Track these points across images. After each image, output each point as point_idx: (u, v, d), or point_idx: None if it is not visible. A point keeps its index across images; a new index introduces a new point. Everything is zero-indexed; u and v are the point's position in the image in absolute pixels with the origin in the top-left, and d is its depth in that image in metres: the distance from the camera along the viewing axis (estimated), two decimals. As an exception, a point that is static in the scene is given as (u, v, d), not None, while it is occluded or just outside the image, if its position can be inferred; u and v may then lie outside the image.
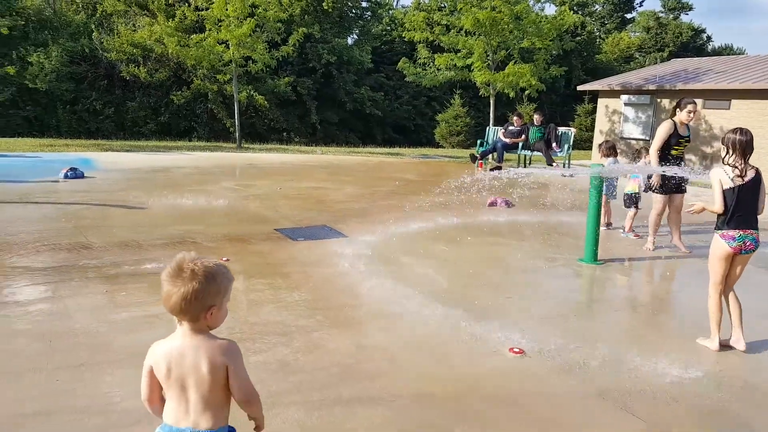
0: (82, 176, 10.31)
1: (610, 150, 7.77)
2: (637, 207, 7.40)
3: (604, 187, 6.74)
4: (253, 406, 1.86)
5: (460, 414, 2.96)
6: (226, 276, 1.81)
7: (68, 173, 10.18)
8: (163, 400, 1.85)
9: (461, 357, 3.62)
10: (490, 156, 14.50)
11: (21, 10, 24.92)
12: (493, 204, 9.11)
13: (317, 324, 3.99)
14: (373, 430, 2.79)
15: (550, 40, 18.64)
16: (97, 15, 26.97)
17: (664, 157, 6.39)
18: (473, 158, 14.44)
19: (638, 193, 7.40)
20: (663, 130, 6.42)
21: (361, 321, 4.17)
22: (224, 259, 5.53)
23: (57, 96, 23.79)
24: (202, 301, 1.74)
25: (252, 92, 23.81)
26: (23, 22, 24.21)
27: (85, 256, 5.45)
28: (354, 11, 32.04)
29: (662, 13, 48.29)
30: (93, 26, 25.76)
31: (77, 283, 4.69)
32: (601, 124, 18.69)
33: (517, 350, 3.71)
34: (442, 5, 22.29)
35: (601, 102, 18.84)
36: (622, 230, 7.56)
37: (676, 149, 6.46)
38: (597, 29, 44.66)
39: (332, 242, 6.38)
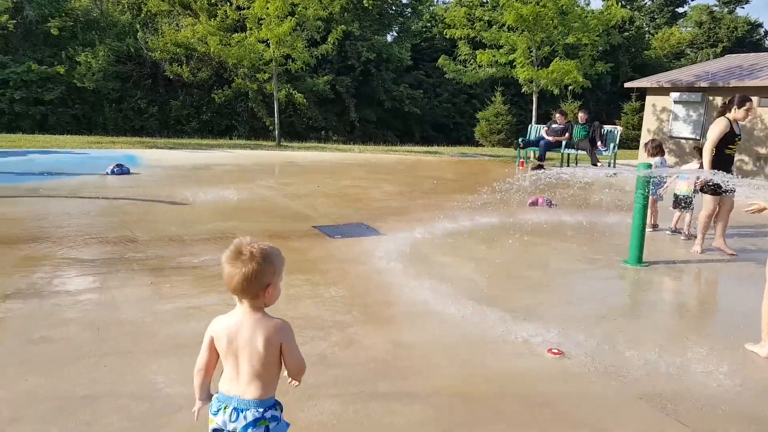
0: (127, 172, 10.61)
1: (657, 149, 7.58)
2: (688, 209, 7.17)
3: (651, 188, 6.59)
4: (301, 375, 2.07)
5: (498, 414, 2.95)
6: (280, 257, 1.96)
7: (114, 169, 10.49)
8: (211, 374, 2.06)
9: (499, 357, 3.60)
10: (531, 154, 14.33)
11: (70, 11, 25.77)
12: (534, 203, 9.00)
13: (354, 320, 4.02)
14: (409, 427, 2.81)
15: (597, 36, 18.24)
16: (142, 15, 27.67)
17: (719, 156, 6.14)
18: (518, 146, 14.31)
19: (690, 196, 7.16)
20: (718, 129, 6.13)
21: (398, 318, 4.18)
22: (264, 253, 5.62)
23: (104, 95, 24.52)
24: (261, 280, 1.90)
25: (291, 90, 24.09)
26: (72, 23, 25.03)
27: (131, 249, 5.61)
28: (394, 8, 32.05)
29: (716, 6, 46.61)
30: (138, 26, 26.45)
31: (123, 275, 4.84)
32: (649, 122, 18.22)
33: (555, 351, 3.67)
34: (485, 1, 22.09)
35: (649, 99, 18.35)
36: (668, 231, 7.38)
37: (730, 149, 6.24)
38: (646, 24, 43.51)
39: (369, 240, 6.41)
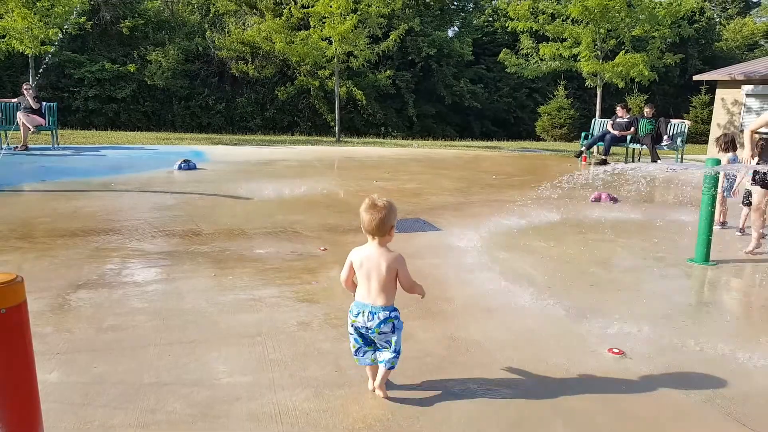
0: (194, 168, 10.96)
1: (729, 144, 7.24)
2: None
3: (721, 184, 6.30)
4: (413, 291, 2.97)
5: (557, 411, 2.89)
6: (396, 208, 2.93)
7: (182, 165, 10.86)
8: (354, 285, 2.95)
9: (558, 354, 3.53)
10: (594, 149, 13.95)
11: (143, 12, 26.84)
12: (597, 199, 8.77)
13: (410, 314, 4.01)
14: (466, 423, 2.79)
15: (666, 28, 17.56)
16: (210, 15, 28.49)
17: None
18: (579, 154, 13.94)
19: None
20: (763, 117, 5.92)
21: (455, 313, 4.16)
22: (322, 248, 5.70)
23: (173, 92, 25.41)
24: (388, 222, 2.84)
25: (352, 87, 24.27)
26: (143, 22, 26.04)
27: (196, 242, 5.80)
28: (456, 3, 31.79)
29: (793, -5, 44.07)
30: (206, 26, 27.25)
31: (188, 267, 5.01)
32: (719, 116, 17.43)
33: (616, 351, 3.56)
34: (548, -7, 21.60)
35: (719, 93, 17.56)
36: (738, 230, 7.05)
37: None
38: (717, 15, 41.55)
39: (427, 235, 6.39)
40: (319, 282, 4.75)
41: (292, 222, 6.83)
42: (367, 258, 2.86)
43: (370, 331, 2.86)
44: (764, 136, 6.06)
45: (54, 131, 13.62)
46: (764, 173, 5.85)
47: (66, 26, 15.66)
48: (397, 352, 2.90)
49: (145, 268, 4.96)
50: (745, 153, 5.81)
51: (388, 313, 2.84)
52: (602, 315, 4.18)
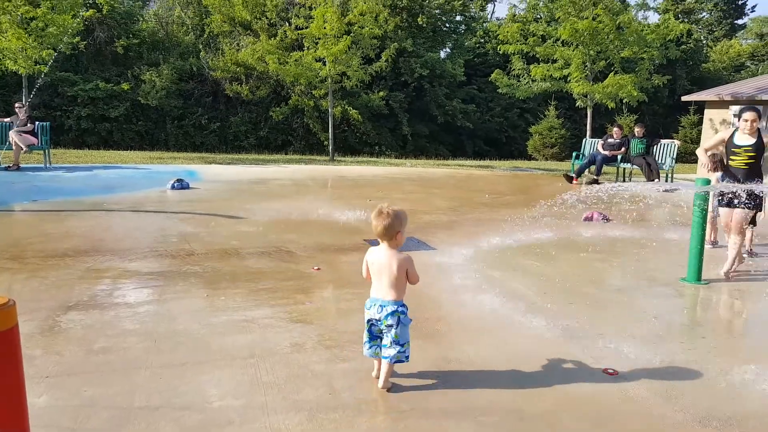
0: (187, 187, 10.94)
1: (718, 164, 7.30)
2: (750, 225, 6.90)
3: (711, 203, 6.35)
4: (417, 282, 3.33)
5: (550, 434, 2.87)
6: (404, 215, 3.24)
7: (175, 184, 10.83)
8: (370, 279, 3.33)
9: (553, 375, 3.51)
10: (586, 170, 14.03)
11: (137, 32, 26.97)
12: (589, 218, 8.80)
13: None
14: (459, 445, 2.76)
15: (654, 50, 17.83)
16: (205, 36, 28.65)
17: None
18: (568, 178, 13.98)
19: None
20: (717, 135, 6.06)
21: (450, 333, 4.14)
22: (315, 268, 5.68)
23: (166, 111, 25.43)
24: (393, 228, 3.18)
25: (346, 107, 24.39)
26: (137, 42, 26.15)
27: (188, 262, 5.77)
28: (448, 25, 32.13)
29: (778, 17, 44.89)
30: (200, 46, 27.39)
31: (180, 287, 4.98)
32: (708, 136, 17.60)
33: (611, 371, 3.56)
34: (538, 16, 21.91)
35: (708, 113, 17.77)
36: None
37: (732, 159, 6.04)
38: (704, 37, 42.22)
39: (421, 254, 6.39)
40: (313, 302, 4.73)
41: (285, 241, 6.81)
42: (378, 258, 3.25)
43: (379, 323, 3.23)
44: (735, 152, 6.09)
45: (46, 150, 13.59)
46: (730, 195, 5.93)
47: (60, 47, 15.68)
48: (402, 345, 3.19)
49: (137, 288, 4.92)
50: (704, 169, 5.95)
51: (395, 307, 3.20)
52: (597, 334, 4.18)
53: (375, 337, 3.28)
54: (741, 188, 6.17)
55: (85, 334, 3.88)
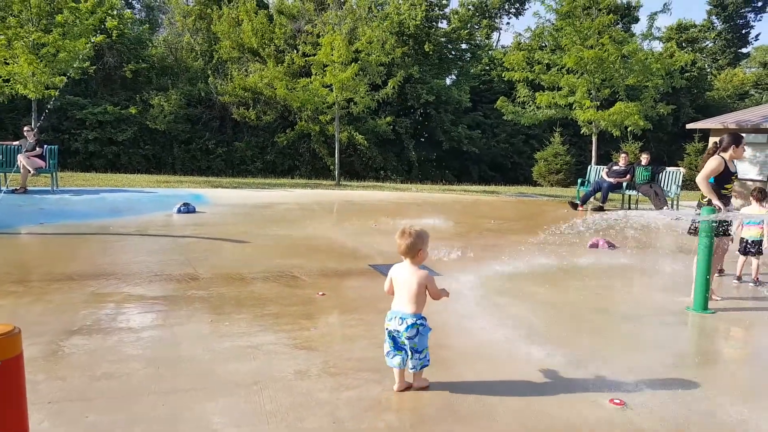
0: (193, 211, 10.97)
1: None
2: (757, 254, 6.87)
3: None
4: (439, 298, 3.60)
5: (557, 466, 2.82)
6: (425, 234, 3.54)
7: (181, 208, 10.87)
8: (393, 293, 3.58)
9: (559, 405, 3.47)
10: (591, 197, 14.03)
11: (146, 57, 27.34)
12: (594, 245, 8.77)
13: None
14: (464, 477, 2.72)
15: (659, 79, 17.97)
16: (213, 62, 29.03)
17: (717, 195, 5.92)
18: (573, 205, 13.97)
19: (759, 240, 6.86)
20: (713, 164, 5.91)
21: (455, 361, 4.10)
22: (320, 293, 5.66)
23: (174, 136, 25.68)
24: (415, 246, 3.48)
25: (352, 132, 24.56)
26: (146, 67, 26.49)
27: (193, 287, 5.76)
28: (453, 53, 32.51)
29: (781, 46, 45.24)
30: (209, 71, 27.75)
31: (185, 312, 4.96)
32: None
33: (617, 401, 3.51)
34: (543, 44, 22.14)
35: (713, 140, 17.79)
36: (735, 278, 7.03)
37: (726, 188, 6.03)
38: (708, 65, 42.52)
39: (427, 281, 6.36)
40: (318, 328, 4.70)
41: (290, 266, 6.80)
42: (401, 274, 3.54)
43: (399, 335, 3.46)
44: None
45: (54, 173, 13.69)
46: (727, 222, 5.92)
47: (70, 72, 15.90)
48: (420, 352, 3.47)
49: (141, 313, 4.91)
50: (715, 201, 5.86)
51: (414, 319, 3.44)
52: (603, 363, 4.13)
53: (399, 348, 3.51)
54: (738, 216, 6.18)
55: (89, 360, 3.86)
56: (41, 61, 15.41)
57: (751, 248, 6.87)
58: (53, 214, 10.10)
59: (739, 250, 7.02)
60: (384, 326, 3.55)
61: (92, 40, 16.44)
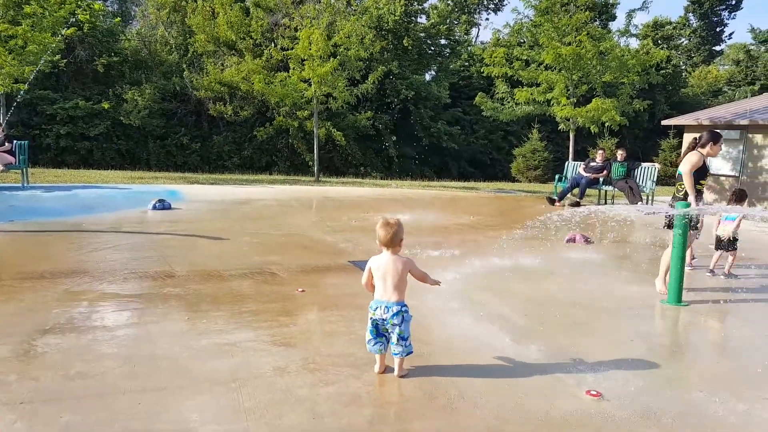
0: (169, 207, 10.81)
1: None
2: (731, 249, 7.01)
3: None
4: (426, 281, 3.89)
5: (538, 460, 2.83)
6: (403, 226, 3.71)
7: (156, 204, 10.70)
8: (373, 286, 3.71)
9: (537, 397, 3.48)
10: (569, 193, 14.15)
11: (119, 50, 26.85)
12: (571, 240, 8.84)
13: (389, 358, 3.95)
14: (445, 472, 2.71)
15: (636, 75, 18.19)
16: (189, 55, 28.64)
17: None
18: (551, 201, 14.08)
19: (735, 237, 7.03)
20: (694, 158, 6.01)
21: (434, 356, 4.10)
22: (299, 290, 5.62)
23: (148, 131, 25.27)
24: (398, 236, 3.66)
25: (331, 128, 24.43)
26: (118, 60, 26.01)
27: (169, 284, 5.68)
28: (433, 48, 32.53)
29: (753, 45, 46.17)
30: (184, 65, 27.36)
31: (161, 310, 4.88)
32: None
33: (594, 393, 3.54)
34: (522, 41, 22.26)
35: (687, 137, 18.07)
36: (708, 271, 7.16)
37: (701, 184, 6.20)
38: (683, 63, 43.21)
39: (406, 276, 6.35)
40: (297, 325, 4.66)
41: (269, 263, 6.74)
42: (383, 264, 3.65)
43: (385, 322, 3.60)
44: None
45: (24, 169, 13.40)
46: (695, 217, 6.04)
47: (39, 65, 15.55)
48: (405, 339, 3.63)
49: (116, 311, 4.82)
50: (691, 197, 5.94)
51: (399, 307, 3.60)
52: (579, 356, 4.16)
53: (380, 335, 3.65)
54: (712, 210, 6.28)
55: (62, 359, 3.77)
56: (9, 53, 15.04)
57: (726, 245, 7.00)
58: (24, 211, 9.88)
59: (714, 246, 7.14)
60: (367, 317, 3.67)
61: (62, 33, 16.10)
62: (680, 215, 5.64)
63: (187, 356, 3.91)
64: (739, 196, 7.24)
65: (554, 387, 3.65)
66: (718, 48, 48.69)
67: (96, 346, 4.03)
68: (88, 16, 18.02)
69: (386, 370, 3.74)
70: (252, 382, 3.53)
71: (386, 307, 3.59)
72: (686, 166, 5.99)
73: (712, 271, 7.12)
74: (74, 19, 16.67)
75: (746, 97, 31.95)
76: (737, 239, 7.04)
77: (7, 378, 3.42)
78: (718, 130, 6.35)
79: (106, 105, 22.19)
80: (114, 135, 24.84)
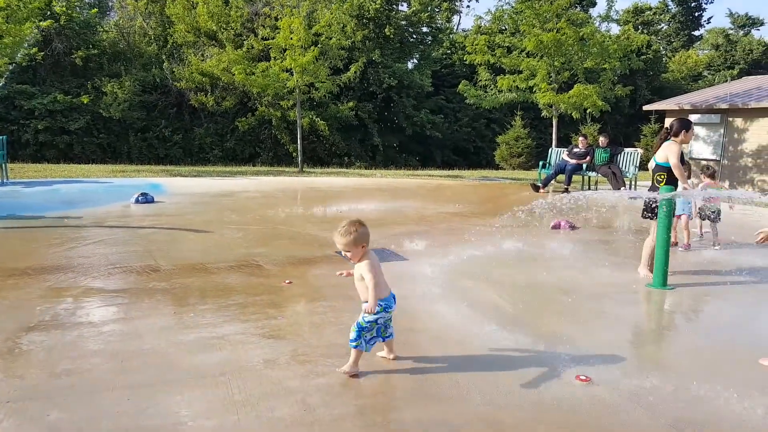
0: (152, 201, 10.71)
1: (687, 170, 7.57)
2: (716, 220, 7.77)
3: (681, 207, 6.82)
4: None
5: (529, 445, 2.85)
6: (367, 231, 3.73)
7: (139, 198, 10.59)
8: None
9: (527, 384, 3.51)
10: (553, 179, 14.21)
11: (97, 42, 26.42)
12: (556, 227, 8.90)
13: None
14: (438, 460, 2.72)
15: (617, 60, 18.26)
16: (168, 46, 28.26)
17: (671, 179, 6.02)
18: (535, 188, 14.13)
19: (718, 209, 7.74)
20: (676, 148, 6.02)
21: (424, 344, 4.11)
22: (287, 282, 5.60)
23: (129, 124, 24.96)
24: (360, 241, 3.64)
25: (314, 118, 24.28)
26: (96, 52, 25.60)
27: (155, 279, 5.63)
28: (415, 36, 32.37)
29: (732, 29, 46.59)
30: (164, 57, 27.00)
31: (147, 305, 4.84)
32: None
33: (583, 378, 3.57)
34: (503, 28, 22.23)
35: (669, 121, 18.23)
36: (680, 248, 7.66)
37: None
38: (663, 48, 43.46)
39: (393, 265, 6.35)
40: (285, 317, 4.65)
41: (255, 255, 6.70)
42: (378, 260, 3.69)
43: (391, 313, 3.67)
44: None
45: (3, 165, 13.17)
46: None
47: (16, 58, 15.27)
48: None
49: (101, 307, 4.77)
50: (686, 185, 5.99)
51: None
52: (568, 342, 4.19)
53: (379, 331, 3.63)
54: (697, 195, 6.37)
55: (48, 356, 3.73)
56: (-15, 46, 14.74)
57: (711, 216, 7.71)
58: (4, 207, 9.72)
59: (699, 215, 7.62)
60: (369, 316, 3.54)
61: (38, 25, 15.79)
62: (665, 200, 5.69)
63: (175, 351, 3.88)
64: (712, 173, 8.22)
65: (544, 373, 3.67)
66: (697, 33, 49.04)
67: (82, 342, 3.98)
68: (64, 8, 17.68)
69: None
70: (241, 375, 3.51)
71: (393, 297, 3.69)
72: (673, 158, 5.98)
73: (687, 245, 7.59)
74: (51, 11, 16.38)
75: (726, 81, 32.27)
76: (719, 212, 7.63)
77: (-9, 377, 3.37)
78: (687, 118, 6.39)
79: (85, 99, 21.85)
80: (94, 128, 24.51)
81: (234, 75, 20.12)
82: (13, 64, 15.38)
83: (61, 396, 3.21)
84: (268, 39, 20.33)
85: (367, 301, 3.49)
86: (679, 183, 5.94)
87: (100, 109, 23.82)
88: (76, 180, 14.28)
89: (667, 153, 6.05)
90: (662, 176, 6.10)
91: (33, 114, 23.24)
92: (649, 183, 6.38)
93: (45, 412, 3.03)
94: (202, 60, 25.49)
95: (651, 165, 6.29)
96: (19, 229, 8.09)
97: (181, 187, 13.29)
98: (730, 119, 16.34)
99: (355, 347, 3.55)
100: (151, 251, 6.77)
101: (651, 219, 6.14)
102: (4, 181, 13.02)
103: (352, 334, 3.55)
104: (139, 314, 4.59)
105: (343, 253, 3.67)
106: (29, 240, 7.37)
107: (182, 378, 3.47)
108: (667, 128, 6.28)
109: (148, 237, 7.62)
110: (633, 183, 14.04)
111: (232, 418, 3.02)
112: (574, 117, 18.70)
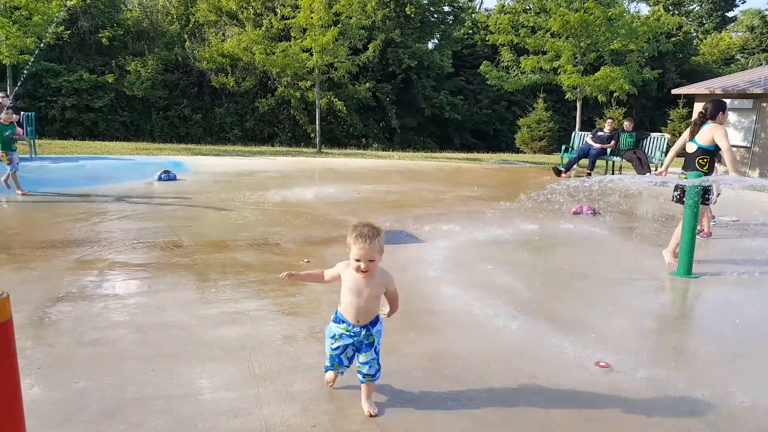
0: (174, 179, 10.85)
1: None
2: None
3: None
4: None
5: (544, 427, 2.89)
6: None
7: (162, 175, 10.74)
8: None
9: (544, 369, 3.53)
10: (576, 164, 14.08)
11: (121, 21, 26.61)
12: (578, 212, 8.84)
13: (395, 328, 3.99)
14: (452, 436, 2.77)
15: (645, 42, 17.89)
16: (190, 25, 28.34)
17: (712, 164, 6.06)
18: (557, 172, 14.00)
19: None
20: (724, 130, 6.03)
21: (440, 327, 4.15)
22: (305, 260, 5.67)
23: (151, 102, 25.19)
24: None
25: (332, 98, 24.24)
26: (121, 32, 25.82)
27: (177, 254, 5.73)
28: (436, 16, 32.03)
29: (768, 10, 45.07)
30: (186, 36, 27.10)
31: (170, 279, 4.94)
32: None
33: (603, 364, 3.58)
34: (528, 7, 21.90)
35: (697, 107, 17.88)
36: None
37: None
38: (694, 30, 42.33)
39: (410, 247, 6.39)
40: (303, 295, 4.72)
41: (273, 234, 6.78)
42: None
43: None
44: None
45: (32, 141, 13.42)
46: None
47: (44, 36, 15.47)
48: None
49: (126, 280, 4.88)
50: (733, 172, 5.96)
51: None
52: (588, 328, 4.20)
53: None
54: (723, 180, 6.29)
55: (75, 326, 3.84)
56: (14, 24, 14.94)
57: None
58: (32, 181, 9.90)
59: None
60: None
61: (66, 4, 15.95)
62: (692, 186, 5.59)
63: (196, 324, 3.97)
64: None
65: (562, 358, 3.69)
66: (730, 14, 47.57)
67: (107, 314, 4.09)
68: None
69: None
70: (261, 350, 3.59)
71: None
72: (724, 142, 5.92)
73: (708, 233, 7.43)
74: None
75: (760, 65, 31.41)
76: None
77: (23, 344, 3.49)
78: (722, 99, 6.33)
79: (110, 78, 22.09)
80: (118, 107, 24.81)
81: (254, 55, 20.15)
82: (42, 43, 15.57)
83: (88, 364, 3.31)
84: (289, 18, 20.28)
85: (379, 317, 3.13)
86: (730, 170, 5.89)
87: (123, 87, 24.08)
88: (101, 156, 14.49)
89: (713, 135, 5.97)
90: (705, 159, 6.02)
91: (60, 92, 23.59)
92: (677, 168, 6.32)
93: (73, 379, 3.13)
94: (223, 40, 25.53)
95: (691, 148, 6.21)
96: (46, 203, 8.27)
97: (202, 166, 13.43)
98: (764, 105, 15.91)
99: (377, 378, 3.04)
100: (174, 227, 6.88)
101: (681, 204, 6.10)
102: (33, 156, 13.27)
103: (375, 367, 2.99)
104: (163, 288, 4.70)
105: (363, 264, 3.16)
106: (57, 214, 7.53)
107: (204, 351, 3.56)
108: (701, 111, 6.20)
109: (170, 214, 7.75)
110: (659, 169, 13.88)
111: (252, 390, 3.10)
112: (600, 100, 18.43)
